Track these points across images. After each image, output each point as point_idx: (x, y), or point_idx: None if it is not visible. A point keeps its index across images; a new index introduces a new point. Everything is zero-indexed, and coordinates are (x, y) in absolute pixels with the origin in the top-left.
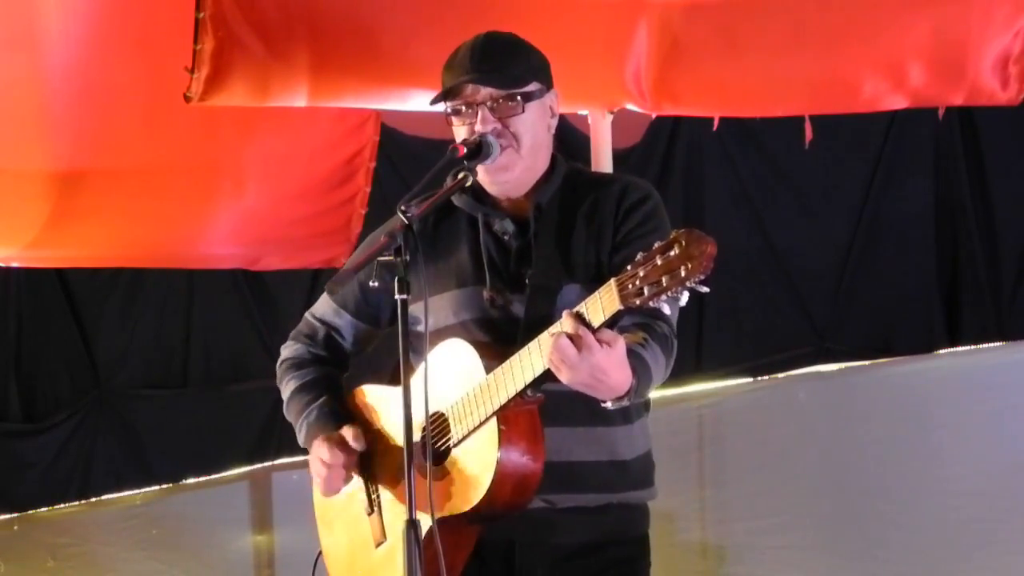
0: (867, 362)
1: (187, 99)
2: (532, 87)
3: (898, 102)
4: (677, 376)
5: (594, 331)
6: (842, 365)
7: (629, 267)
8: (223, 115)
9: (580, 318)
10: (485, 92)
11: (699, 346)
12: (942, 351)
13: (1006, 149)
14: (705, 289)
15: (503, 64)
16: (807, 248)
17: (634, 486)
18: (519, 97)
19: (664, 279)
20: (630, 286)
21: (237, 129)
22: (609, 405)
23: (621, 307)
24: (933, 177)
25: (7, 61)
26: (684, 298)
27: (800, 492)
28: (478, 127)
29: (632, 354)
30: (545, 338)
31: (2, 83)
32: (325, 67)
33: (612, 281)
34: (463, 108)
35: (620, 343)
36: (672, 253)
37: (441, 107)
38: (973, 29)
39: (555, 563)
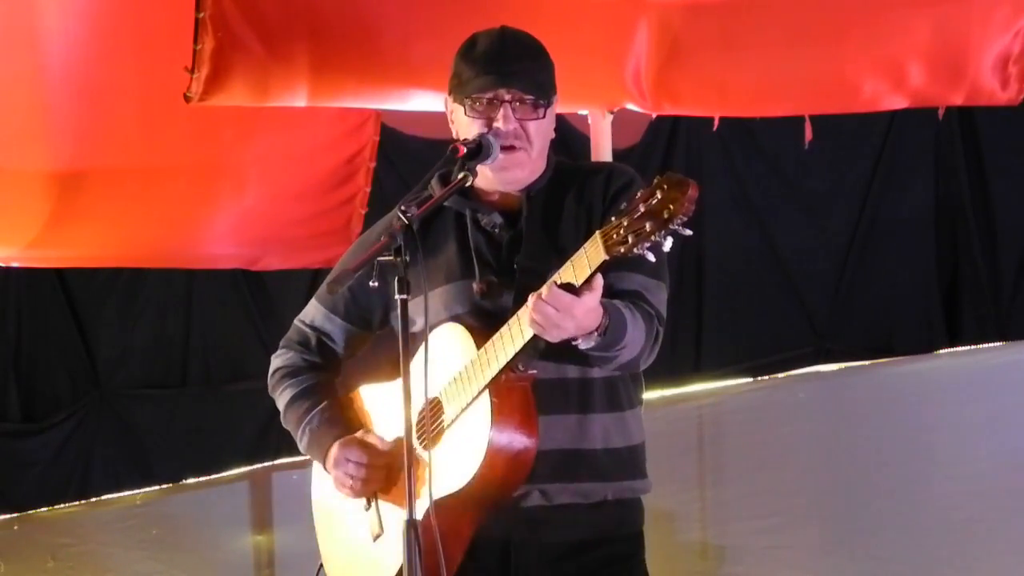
0: (867, 362)
1: (187, 99)
2: (552, 96)
3: (898, 102)
4: (677, 376)
5: (577, 292)
6: (842, 365)
7: (613, 218)
8: (223, 115)
9: (560, 286)
10: (515, 94)
11: (699, 346)
12: (942, 351)
13: (1006, 149)
14: (688, 232)
15: (533, 68)
16: (807, 248)
17: (629, 476)
18: (543, 104)
19: (648, 224)
20: (614, 236)
21: (237, 129)
22: (580, 343)
23: (607, 256)
24: (933, 177)
25: (7, 61)
26: (668, 243)
27: (800, 492)
28: (498, 124)
29: (605, 303)
30: (530, 304)
31: (2, 83)
32: (325, 67)
33: (597, 233)
34: (485, 103)
35: (598, 282)
36: (654, 199)
37: (449, 103)
38: (973, 29)
39: (551, 561)
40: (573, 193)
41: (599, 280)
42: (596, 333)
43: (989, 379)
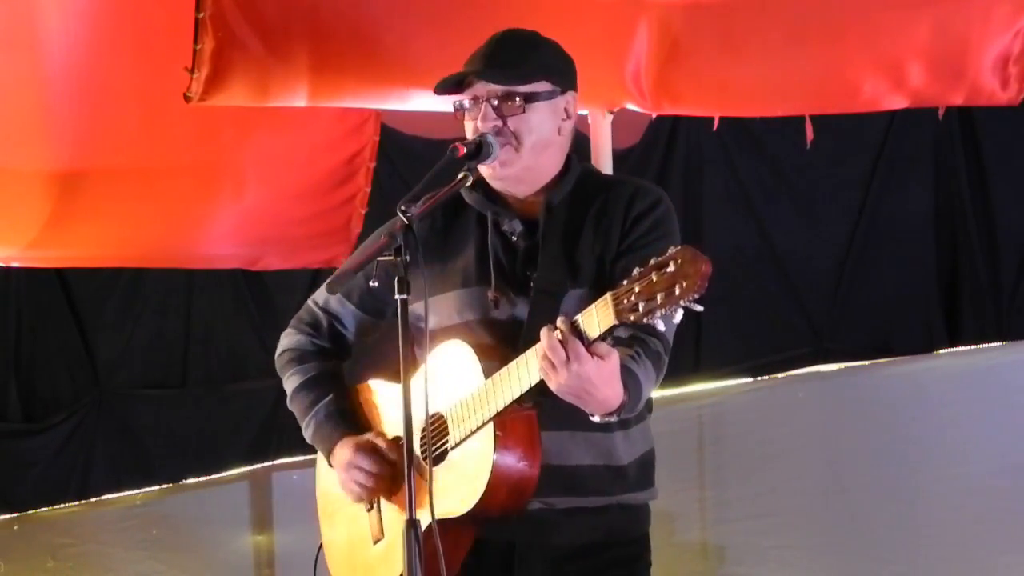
0: (867, 362)
1: (187, 99)
2: (538, 87)
3: (898, 102)
4: (677, 376)
5: (588, 344)
6: (842, 365)
7: (625, 282)
8: (223, 115)
9: (575, 327)
10: (489, 88)
11: (699, 346)
12: (942, 351)
13: (1006, 149)
14: (699, 308)
15: (511, 61)
16: (807, 248)
17: (633, 488)
18: (519, 97)
19: (659, 296)
20: (625, 301)
21: (237, 129)
22: (596, 419)
23: (616, 322)
24: (933, 177)
25: (7, 61)
26: (679, 315)
27: (800, 492)
28: (479, 123)
29: (625, 369)
30: (541, 345)
31: (2, 83)
32: (325, 67)
33: (608, 295)
34: (468, 104)
35: (614, 357)
36: (668, 270)
37: (451, 106)
38: (973, 29)
39: (555, 563)
40: (595, 209)
41: (615, 358)
42: (615, 413)
43: (989, 379)
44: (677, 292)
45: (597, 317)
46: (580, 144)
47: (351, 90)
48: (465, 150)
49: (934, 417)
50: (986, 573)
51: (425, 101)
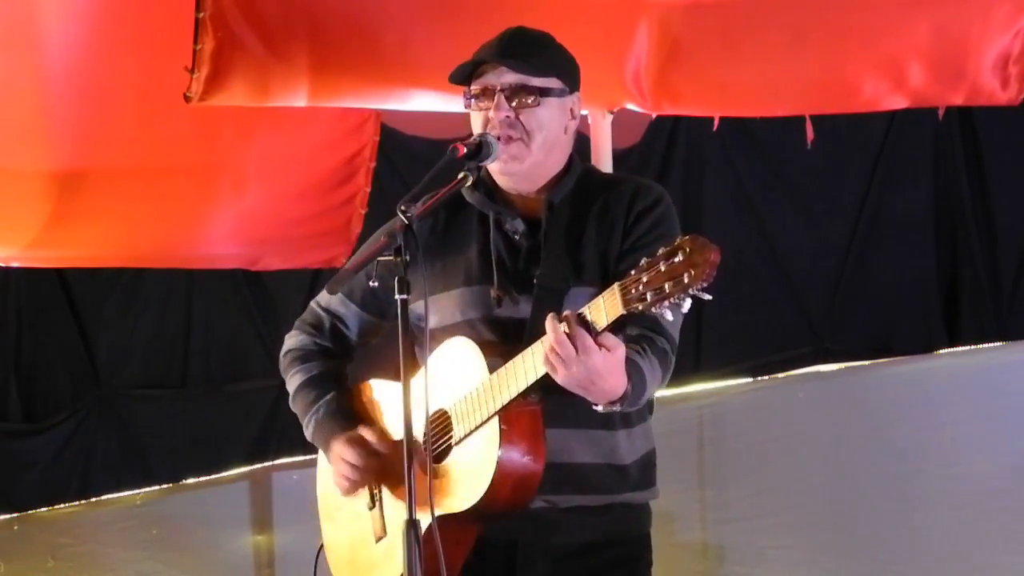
0: (867, 362)
1: (187, 99)
2: (552, 83)
3: (898, 102)
4: (677, 376)
5: (595, 335)
6: (842, 365)
7: (633, 272)
8: (223, 115)
9: (582, 320)
10: (504, 79)
11: (699, 346)
12: (942, 351)
13: (1006, 149)
14: (708, 296)
15: (526, 54)
16: (807, 248)
17: (634, 488)
18: (536, 90)
19: (667, 285)
20: (633, 291)
21: (237, 129)
22: (600, 408)
23: (624, 312)
24: (933, 177)
25: (7, 61)
26: (687, 305)
27: (800, 492)
28: (491, 113)
29: (629, 362)
30: (547, 339)
31: (2, 83)
32: (325, 67)
33: (616, 285)
34: (481, 93)
35: (620, 348)
36: (676, 259)
37: (451, 107)
38: (973, 29)
39: (556, 562)
40: (597, 208)
41: (622, 349)
42: (618, 403)
43: (989, 379)
44: (686, 280)
45: (605, 307)
46: (580, 144)
47: (351, 90)
48: (465, 150)
49: (934, 417)
50: (986, 573)
51: (425, 101)
